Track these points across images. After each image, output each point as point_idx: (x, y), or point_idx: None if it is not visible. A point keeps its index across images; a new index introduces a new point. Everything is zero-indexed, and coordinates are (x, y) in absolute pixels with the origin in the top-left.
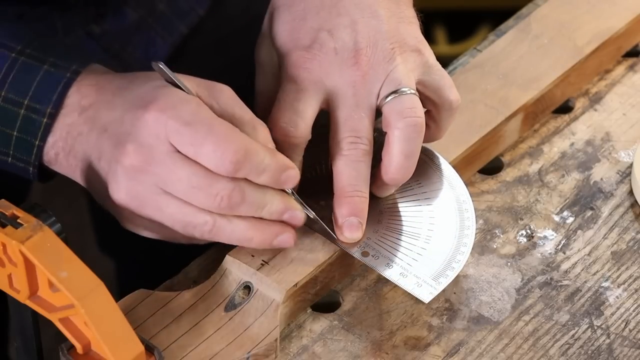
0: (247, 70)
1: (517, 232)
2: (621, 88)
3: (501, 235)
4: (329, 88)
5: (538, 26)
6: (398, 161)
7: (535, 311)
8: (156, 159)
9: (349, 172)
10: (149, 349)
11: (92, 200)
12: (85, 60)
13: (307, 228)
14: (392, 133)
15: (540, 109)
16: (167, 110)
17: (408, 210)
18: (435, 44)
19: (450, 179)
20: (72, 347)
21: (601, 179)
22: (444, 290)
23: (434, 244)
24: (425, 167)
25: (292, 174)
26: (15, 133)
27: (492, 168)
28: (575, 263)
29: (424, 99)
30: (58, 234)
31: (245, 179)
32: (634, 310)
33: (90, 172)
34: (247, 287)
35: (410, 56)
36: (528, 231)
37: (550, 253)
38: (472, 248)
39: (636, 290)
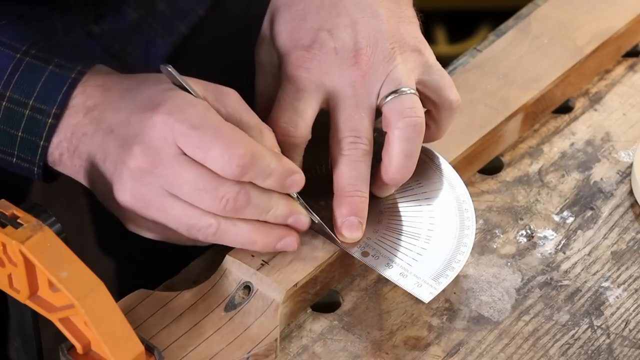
0: (247, 70)
1: (517, 232)
2: (621, 88)
3: (501, 235)
4: (329, 88)
5: (538, 26)
6: (398, 161)
7: (535, 311)
8: (163, 162)
9: (349, 172)
10: (149, 349)
11: (92, 200)
12: (89, 61)
13: (308, 228)
14: (392, 133)
15: (540, 109)
16: (174, 113)
17: (408, 210)
18: (435, 44)
19: (450, 179)
20: (72, 347)
21: (601, 179)
22: (444, 290)
23: (434, 244)
24: (425, 167)
25: (298, 179)
26: (20, 133)
27: (492, 168)
28: (575, 263)
29: (424, 98)
30: (58, 234)
31: (251, 183)
32: (634, 310)
33: (95, 172)
34: (247, 287)
35: (410, 56)
36: (528, 231)
37: (550, 253)
38: (472, 248)
39: (636, 290)
